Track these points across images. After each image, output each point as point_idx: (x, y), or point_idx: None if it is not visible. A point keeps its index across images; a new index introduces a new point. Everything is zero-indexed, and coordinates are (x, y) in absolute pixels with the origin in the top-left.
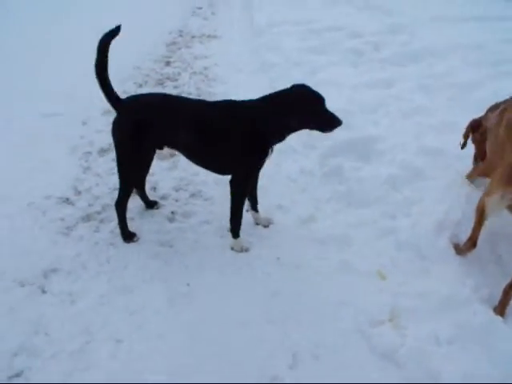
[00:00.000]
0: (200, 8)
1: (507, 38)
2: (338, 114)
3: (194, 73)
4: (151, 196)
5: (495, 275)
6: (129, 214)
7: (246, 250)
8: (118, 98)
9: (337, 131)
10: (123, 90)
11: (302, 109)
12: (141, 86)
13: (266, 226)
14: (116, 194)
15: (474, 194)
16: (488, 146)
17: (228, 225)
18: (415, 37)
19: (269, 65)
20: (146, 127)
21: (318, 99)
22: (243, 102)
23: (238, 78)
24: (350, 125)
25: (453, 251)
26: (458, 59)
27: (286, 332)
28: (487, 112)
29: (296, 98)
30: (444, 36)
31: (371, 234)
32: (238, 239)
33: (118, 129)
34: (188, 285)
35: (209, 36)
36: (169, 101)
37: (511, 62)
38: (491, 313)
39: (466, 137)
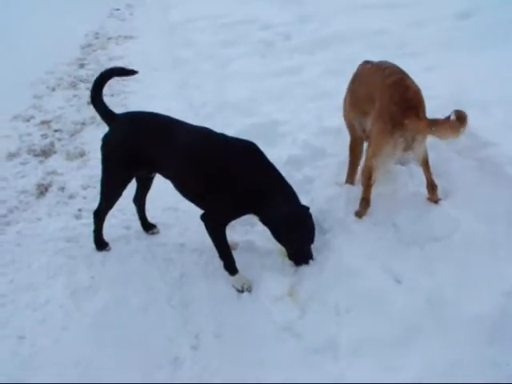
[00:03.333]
0: (118, 9)
1: (410, 22)
2: (243, 103)
3: None
4: (58, 196)
5: (391, 242)
6: (36, 215)
7: (249, 289)
8: (111, 113)
9: (242, 118)
10: (34, 94)
11: None
12: (54, 89)
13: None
14: (24, 197)
15: None
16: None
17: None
18: (324, 25)
19: (181, 60)
20: (136, 149)
21: None
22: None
23: (153, 75)
24: (255, 111)
25: (349, 220)
26: (363, 44)
27: (189, 314)
28: None
29: None
30: (351, 23)
31: None
32: (237, 275)
33: (107, 144)
34: (92, 277)
35: (125, 37)
36: (165, 123)
37: (414, 44)
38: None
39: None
